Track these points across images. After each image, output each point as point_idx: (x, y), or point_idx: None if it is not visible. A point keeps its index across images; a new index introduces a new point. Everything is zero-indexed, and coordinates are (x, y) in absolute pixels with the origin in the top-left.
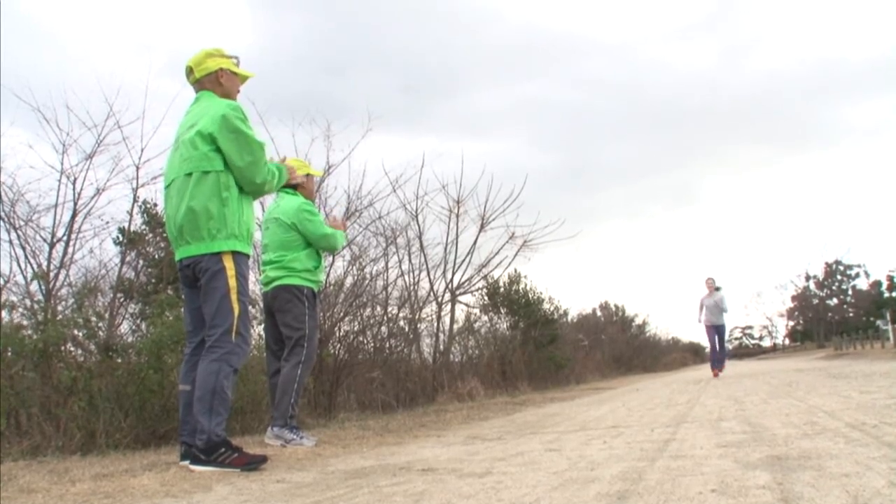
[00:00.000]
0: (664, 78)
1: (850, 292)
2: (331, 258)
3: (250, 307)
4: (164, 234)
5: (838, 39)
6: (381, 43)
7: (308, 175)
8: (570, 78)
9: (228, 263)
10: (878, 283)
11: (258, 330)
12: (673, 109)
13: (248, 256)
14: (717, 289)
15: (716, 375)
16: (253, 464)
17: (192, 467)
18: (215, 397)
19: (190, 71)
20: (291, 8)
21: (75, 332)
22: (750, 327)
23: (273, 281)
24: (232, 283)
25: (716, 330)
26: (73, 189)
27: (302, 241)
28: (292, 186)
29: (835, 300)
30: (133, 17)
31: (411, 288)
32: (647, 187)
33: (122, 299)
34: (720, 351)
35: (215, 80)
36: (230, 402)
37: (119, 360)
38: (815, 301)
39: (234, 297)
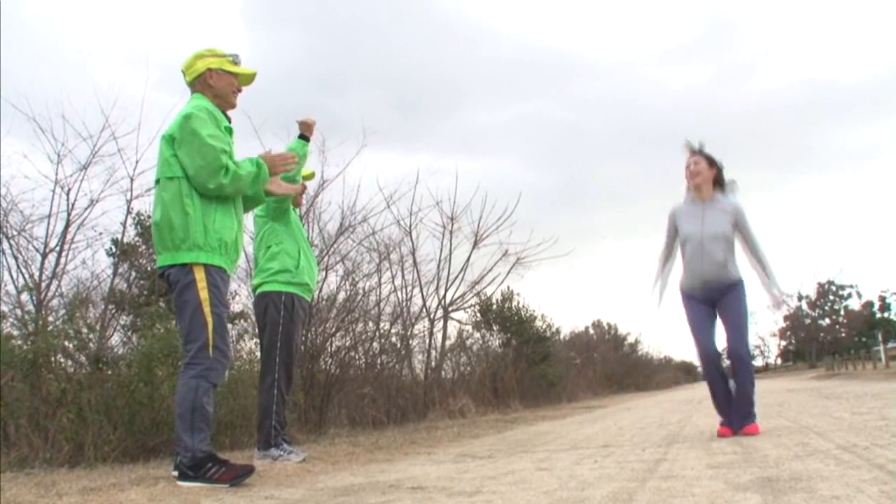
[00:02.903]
0: (658, 99)
1: (842, 313)
2: (323, 273)
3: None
4: None
5: (831, 63)
6: (376, 59)
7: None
8: (564, 97)
9: (199, 275)
10: (870, 304)
11: (249, 344)
12: (667, 130)
13: (220, 268)
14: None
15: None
16: (241, 477)
17: (181, 483)
18: (195, 414)
19: (183, 75)
20: (286, 24)
21: (66, 343)
22: None
23: (256, 289)
24: (203, 294)
25: (710, 299)
26: (67, 199)
27: (278, 233)
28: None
29: (827, 320)
30: (130, 32)
31: (404, 304)
32: (640, 207)
33: (113, 311)
34: (739, 361)
35: (204, 82)
36: (211, 416)
37: (109, 372)
38: (808, 321)
39: (206, 309)
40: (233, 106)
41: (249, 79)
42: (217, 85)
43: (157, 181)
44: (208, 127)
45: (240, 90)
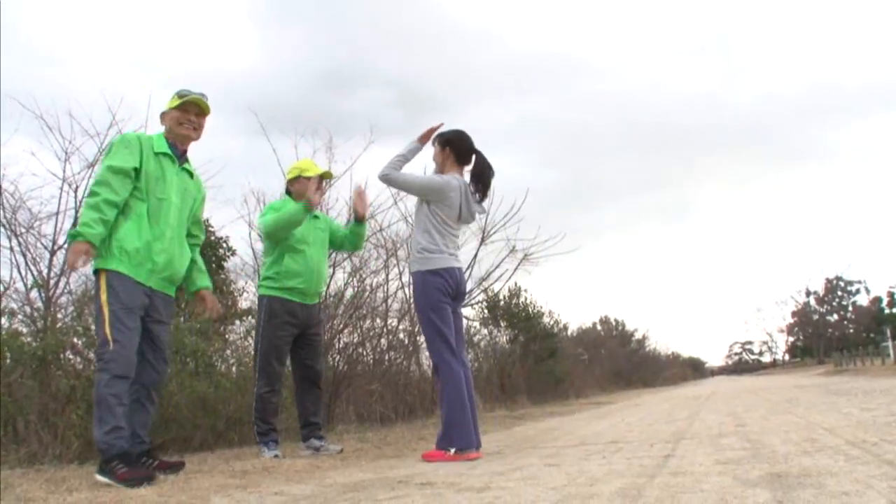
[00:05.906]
0: (661, 97)
1: (850, 308)
2: (331, 270)
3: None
4: None
5: (833, 63)
6: (384, 59)
7: (298, 177)
8: (568, 97)
9: (101, 280)
10: (878, 300)
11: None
12: (670, 128)
13: (120, 273)
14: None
15: None
16: (134, 481)
17: (97, 476)
18: (100, 407)
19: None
20: (292, 23)
21: (74, 339)
22: (750, 342)
23: None
24: (103, 297)
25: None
26: (75, 197)
27: (269, 246)
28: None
29: (835, 316)
30: (136, 32)
31: (411, 300)
32: (645, 203)
33: None
34: None
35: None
36: (116, 408)
37: None
38: (816, 317)
39: (105, 309)
40: (186, 138)
41: (193, 102)
42: (167, 124)
43: None
44: (113, 154)
45: (188, 119)
